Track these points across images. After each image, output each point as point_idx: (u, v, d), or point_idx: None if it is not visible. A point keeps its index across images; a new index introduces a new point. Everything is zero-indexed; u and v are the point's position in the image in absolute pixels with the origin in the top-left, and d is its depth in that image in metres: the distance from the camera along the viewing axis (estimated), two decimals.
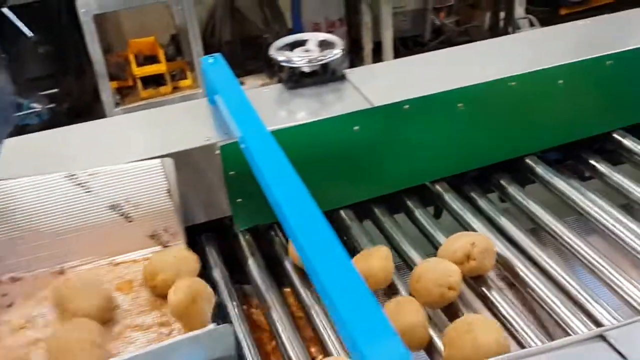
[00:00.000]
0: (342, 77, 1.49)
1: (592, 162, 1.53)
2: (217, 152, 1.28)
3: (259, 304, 1.24)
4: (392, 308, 1.11)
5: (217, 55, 1.41)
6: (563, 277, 1.18)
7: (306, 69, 1.48)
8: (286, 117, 1.39)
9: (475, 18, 4.12)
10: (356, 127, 1.35)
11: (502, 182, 1.50)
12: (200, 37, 3.59)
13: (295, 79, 1.48)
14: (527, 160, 1.52)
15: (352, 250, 1.34)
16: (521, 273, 1.21)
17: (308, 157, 1.33)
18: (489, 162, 1.48)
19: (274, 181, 0.99)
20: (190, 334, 0.92)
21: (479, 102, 1.40)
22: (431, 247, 1.35)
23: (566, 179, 1.45)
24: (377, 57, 3.92)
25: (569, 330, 1.08)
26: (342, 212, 1.43)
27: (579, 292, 1.14)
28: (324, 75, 1.49)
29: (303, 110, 1.42)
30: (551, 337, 1.09)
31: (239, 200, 1.33)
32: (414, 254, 1.31)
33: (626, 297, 1.14)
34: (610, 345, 0.81)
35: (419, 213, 1.44)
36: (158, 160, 1.20)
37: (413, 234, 1.40)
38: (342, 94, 1.44)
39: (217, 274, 1.25)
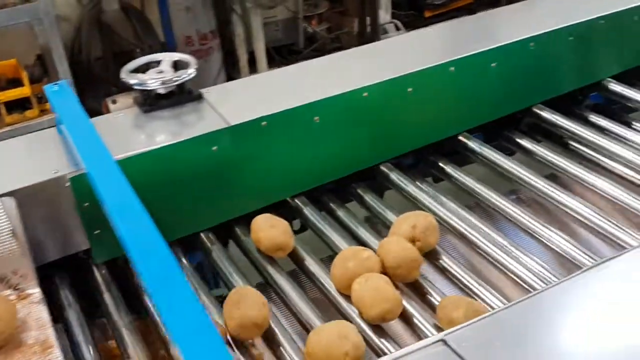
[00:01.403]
0: (199, 97, 1.47)
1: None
2: (67, 184, 1.23)
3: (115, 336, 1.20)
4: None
5: (62, 82, 1.36)
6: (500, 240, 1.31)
7: (161, 91, 1.45)
8: (142, 142, 1.35)
9: (345, 24, 4.19)
10: (214, 147, 1.34)
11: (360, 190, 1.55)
12: (68, 55, 3.45)
13: (150, 102, 1.45)
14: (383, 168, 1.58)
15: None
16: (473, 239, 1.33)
17: (167, 181, 1.31)
18: (346, 173, 1.51)
19: (118, 214, 0.96)
20: None
21: (334, 114, 1.43)
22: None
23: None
24: (254, 67, 3.92)
25: (522, 284, 1.22)
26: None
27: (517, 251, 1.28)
28: (180, 96, 1.46)
29: (159, 133, 1.39)
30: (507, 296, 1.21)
31: (97, 232, 1.28)
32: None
33: (559, 251, 1.29)
34: (451, 349, 0.84)
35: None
36: None
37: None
38: (199, 114, 1.43)
39: (72, 314, 1.21)
